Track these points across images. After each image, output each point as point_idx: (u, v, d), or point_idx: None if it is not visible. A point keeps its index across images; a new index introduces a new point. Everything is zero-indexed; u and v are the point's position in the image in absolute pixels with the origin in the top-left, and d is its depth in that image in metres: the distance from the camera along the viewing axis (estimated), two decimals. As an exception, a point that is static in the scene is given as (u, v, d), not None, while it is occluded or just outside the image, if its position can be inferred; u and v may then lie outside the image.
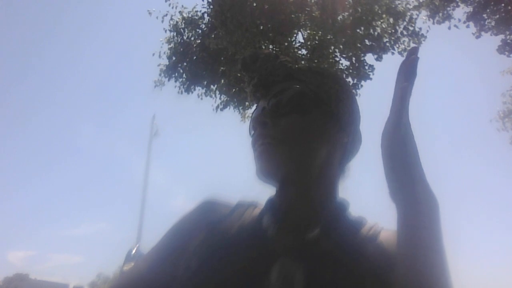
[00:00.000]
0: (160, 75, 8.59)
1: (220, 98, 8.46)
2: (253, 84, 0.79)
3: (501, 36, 8.27)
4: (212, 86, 8.43)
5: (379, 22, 7.87)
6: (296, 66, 0.81)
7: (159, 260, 0.73)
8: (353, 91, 0.86)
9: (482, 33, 8.29)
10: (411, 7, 8.18)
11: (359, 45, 7.81)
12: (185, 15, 8.22)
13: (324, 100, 0.76)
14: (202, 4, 7.97)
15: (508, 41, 8.20)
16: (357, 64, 7.96)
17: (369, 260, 0.65)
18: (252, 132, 0.77)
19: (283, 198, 0.74)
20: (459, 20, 8.33)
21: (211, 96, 8.49)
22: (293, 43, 8.14)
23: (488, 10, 8.08)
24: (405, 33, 8.06)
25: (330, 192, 0.75)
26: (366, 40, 7.84)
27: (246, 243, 0.70)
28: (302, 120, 0.74)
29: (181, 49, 8.17)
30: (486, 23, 8.21)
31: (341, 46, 7.90)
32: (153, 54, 8.39)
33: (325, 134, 0.75)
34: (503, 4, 7.95)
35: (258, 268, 0.65)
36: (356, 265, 0.64)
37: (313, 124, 0.75)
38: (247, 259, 0.66)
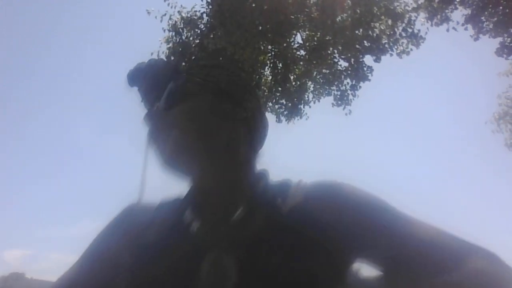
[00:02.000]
0: (158, 74, 8.58)
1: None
2: (142, 91, 0.76)
3: (499, 39, 8.30)
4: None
5: (378, 24, 7.87)
6: (184, 63, 0.78)
7: (86, 277, 0.71)
8: (242, 72, 0.84)
9: (480, 35, 8.31)
10: (410, 9, 8.19)
11: (357, 46, 7.82)
12: (184, 15, 8.20)
13: (213, 82, 0.74)
14: (201, 4, 7.97)
15: (506, 43, 8.22)
16: (355, 65, 7.97)
17: (302, 218, 0.63)
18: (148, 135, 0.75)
19: (196, 190, 0.72)
20: (458, 23, 8.34)
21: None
22: (292, 43, 8.14)
23: (486, 13, 8.09)
24: (403, 34, 8.07)
25: (243, 168, 0.71)
26: (365, 42, 7.85)
27: (172, 244, 0.66)
28: (191, 106, 0.71)
29: (180, 49, 8.15)
30: (484, 25, 8.22)
31: (340, 47, 7.91)
32: (152, 54, 8.34)
33: (219, 112, 0.71)
34: (501, 7, 7.97)
35: (189, 268, 0.62)
36: (289, 229, 0.62)
37: (203, 105, 0.71)
38: (177, 260, 0.63)
